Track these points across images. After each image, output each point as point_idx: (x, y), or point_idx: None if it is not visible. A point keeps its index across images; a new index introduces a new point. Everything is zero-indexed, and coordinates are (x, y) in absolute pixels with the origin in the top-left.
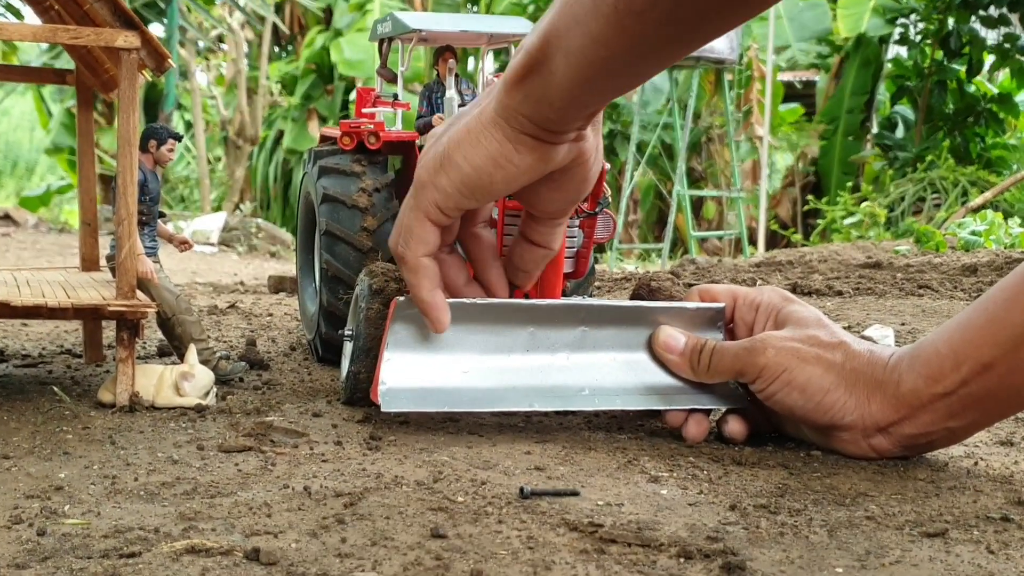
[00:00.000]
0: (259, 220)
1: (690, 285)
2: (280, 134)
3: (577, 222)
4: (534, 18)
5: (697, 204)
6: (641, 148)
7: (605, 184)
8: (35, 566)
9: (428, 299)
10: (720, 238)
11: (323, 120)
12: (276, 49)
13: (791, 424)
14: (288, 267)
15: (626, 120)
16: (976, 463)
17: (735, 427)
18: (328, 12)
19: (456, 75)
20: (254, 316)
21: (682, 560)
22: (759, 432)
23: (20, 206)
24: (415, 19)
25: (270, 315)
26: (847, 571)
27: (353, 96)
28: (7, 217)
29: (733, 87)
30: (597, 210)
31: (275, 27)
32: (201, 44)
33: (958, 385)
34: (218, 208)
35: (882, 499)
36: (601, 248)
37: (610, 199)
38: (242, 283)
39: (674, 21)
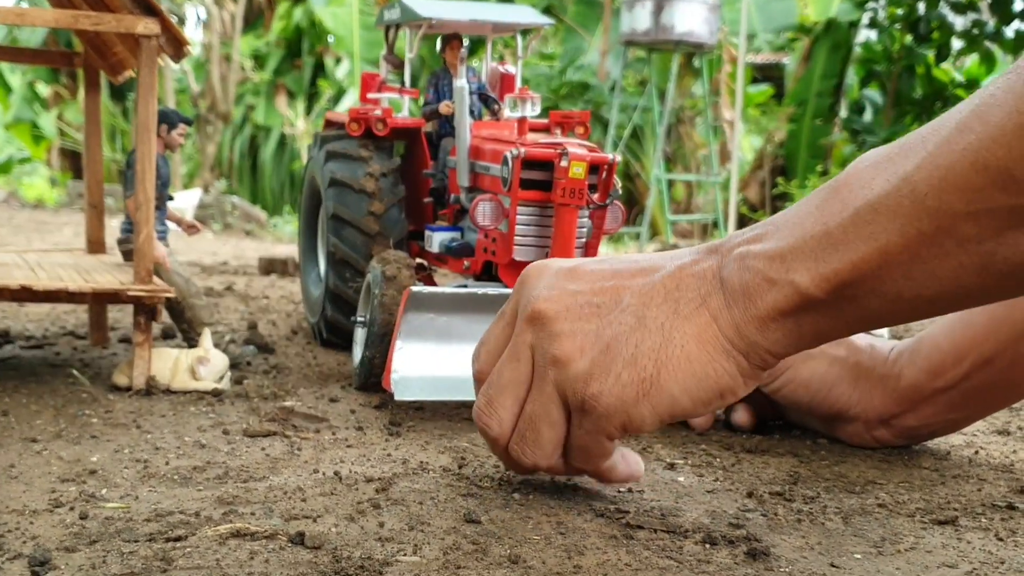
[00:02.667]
0: (234, 198)
1: None
2: (248, 110)
3: (587, 213)
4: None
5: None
6: (618, 132)
7: (615, 177)
8: (84, 549)
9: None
10: (693, 222)
11: (291, 96)
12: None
13: (796, 414)
14: (266, 246)
15: (598, 100)
16: (976, 452)
17: (743, 417)
18: None
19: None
20: (250, 298)
21: (707, 546)
22: (765, 420)
23: None
24: (424, 7)
25: (266, 297)
26: (865, 557)
27: (348, 77)
28: None
29: (703, 71)
30: (608, 202)
31: (248, 1)
32: (175, 18)
33: (959, 379)
34: (187, 185)
35: (890, 487)
36: None
37: (620, 191)
38: (225, 263)
39: None
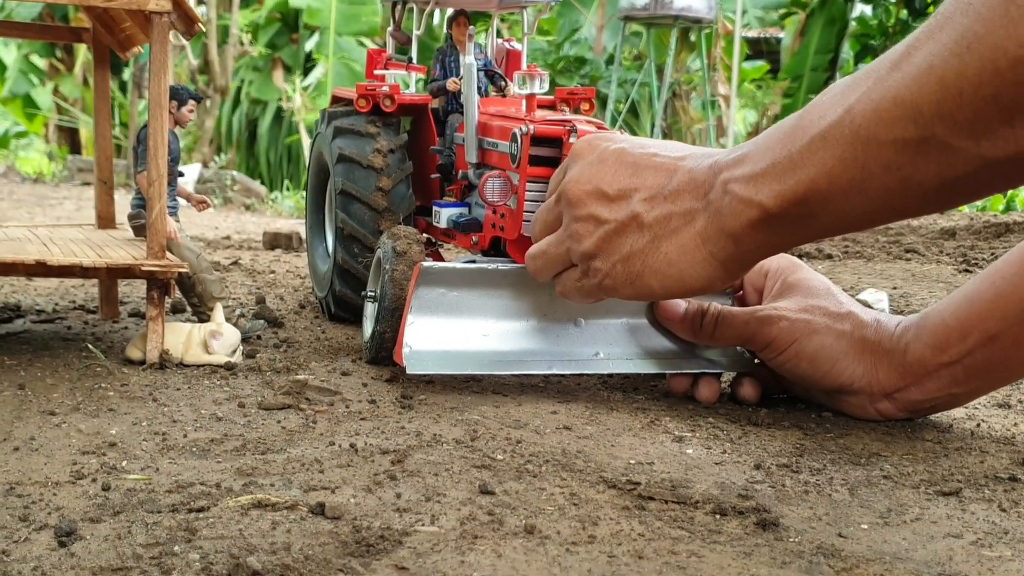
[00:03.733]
0: (234, 172)
1: None
2: (247, 84)
3: None
4: None
5: None
6: (616, 107)
7: None
8: (108, 520)
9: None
10: None
11: (287, 70)
12: None
13: (801, 387)
14: (267, 220)
15: (594, 75)
16: (978, 425)
17: (748, 390)
18: None
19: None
20: (257, 273)
21: (718, 516)
22: (769, 393)
23: None
24: None
25: (272, 272)
26: (872, 527)
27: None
28: None
29: (700, 46)
30: None
31: None
32: None
33: (963, 355)
34: (186, 160)
35: (895, 459)
36: None
37: None
38: (228, 237)
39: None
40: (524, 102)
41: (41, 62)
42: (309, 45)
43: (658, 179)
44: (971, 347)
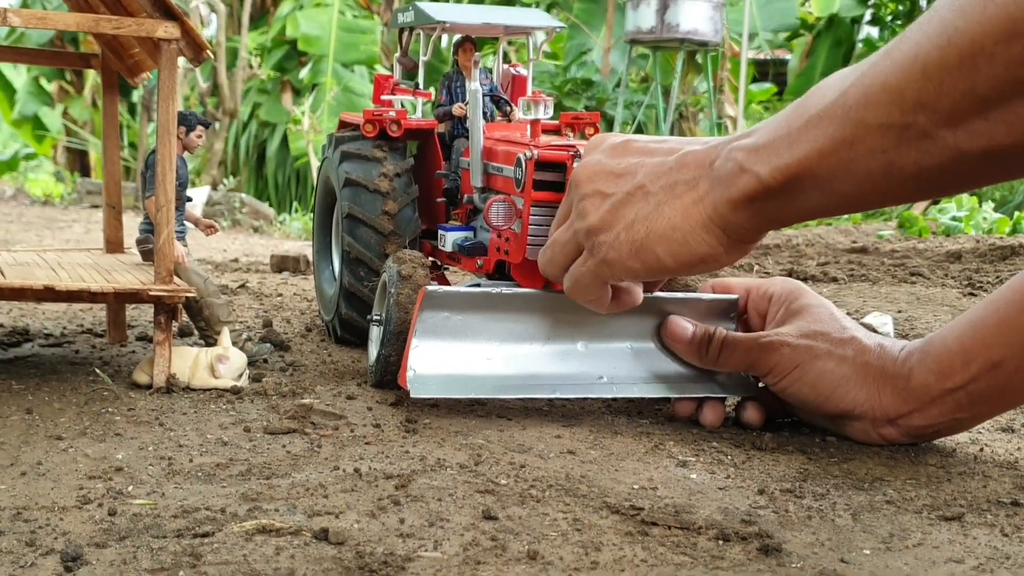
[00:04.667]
0: (243, 195)
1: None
2: (254, 107)
3: None
4: None
5: None
6: (622, 128)
7: None
8: (114, 545)
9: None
10: None
11: (296, 93)
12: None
13: (804, 412)
14: (275, 243)
15: (601, 97)
16: (982, 449)
17: (752, 414)
18: None
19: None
20: (264, 296)
21: (720, 542)
22: (773, 417)
23: None
24: (438, 10)
25: (279, 295)
26: (875, 553)
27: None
28: None
29: (707, 68)
30: None
31: None
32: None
33: (967, 381)
34: (195, 183)
35: (898, 484)
36: None
37: None
38: (236, 260)
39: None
40: (529, 127)
41: (50, 85)
42: (303, 72)
43: (665, 156)
44: (975, 374)
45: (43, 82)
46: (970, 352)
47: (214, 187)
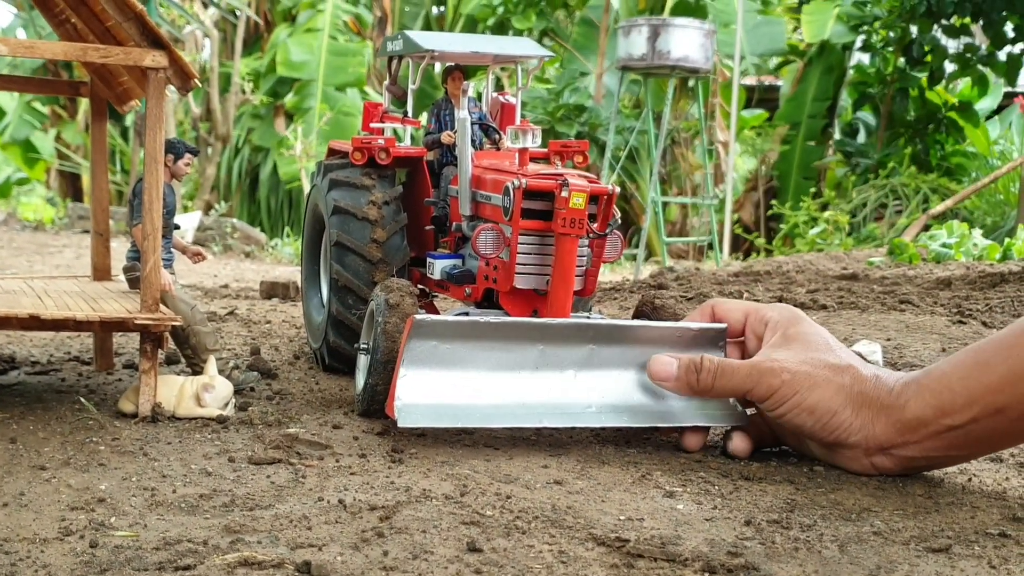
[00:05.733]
0: (234, 220)
1: (689, 298)
2: (247, 131)
3: (587, 242)
4: (502, 20)
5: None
6: (615, 153)
7: (615, 207)
8: None
9: None
10: (690, 244)
11: (289, 118)
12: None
13: (793, 437)
14: (265, 268)
15: (593, 122)
16: (970, 479)
17: (739, 444)
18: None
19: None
20: (253, 323)
21: (707, 574)
22: (760, 447)
23: None
24: (427, 39)
25: (268, 322)
26: None
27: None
28: None
29: (699, 94)
30: (607, 231)
31: (248, 22)
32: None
33: (967, 422)
34: (187, 208)
35: (885, 514)
36: None
37: (619, 220)
38: (226, 286)
39: None
40: (517, 155)
41: (44, 108)
42: (290, 97)
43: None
44: (976, 415)
45: (38, 104)
46: (973, 394)
47: (206, 212)
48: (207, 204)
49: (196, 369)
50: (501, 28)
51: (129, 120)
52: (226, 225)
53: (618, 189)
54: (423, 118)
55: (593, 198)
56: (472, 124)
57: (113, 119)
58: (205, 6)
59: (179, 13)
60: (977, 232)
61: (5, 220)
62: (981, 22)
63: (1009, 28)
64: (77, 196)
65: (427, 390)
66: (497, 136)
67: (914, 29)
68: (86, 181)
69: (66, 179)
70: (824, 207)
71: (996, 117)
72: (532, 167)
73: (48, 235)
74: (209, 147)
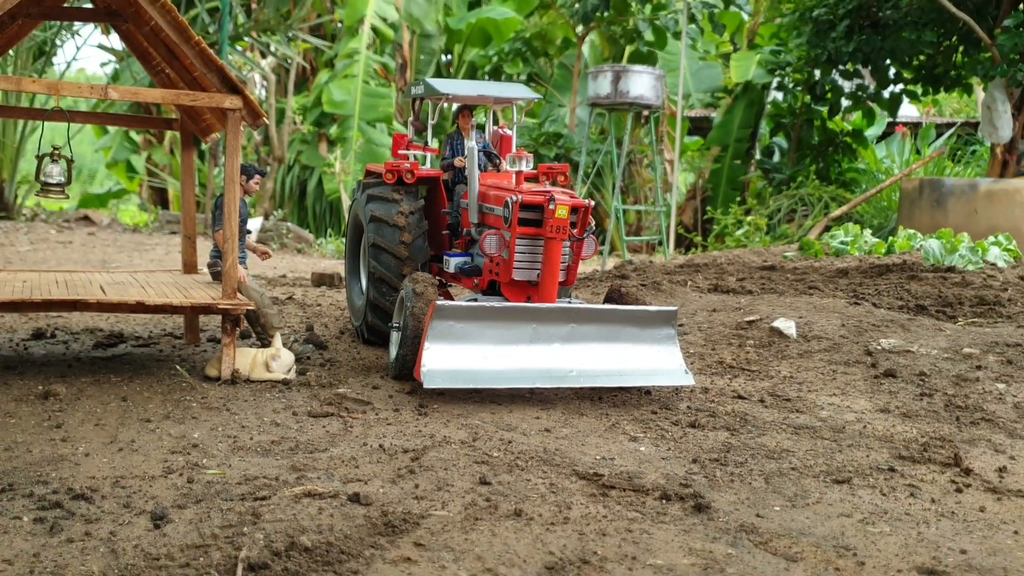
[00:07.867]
0: (288, 223)
1: (644, 285)
2: (297, 154)
3: (569, 244)
4: (496, 66)
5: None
6: (585, 171)
7: (591, 216)
8: (192, 507)
9: None
10: (642, 241)
11: (331, 144)
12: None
13: None
14: (314, 261)
15: (568, 146)
16: (865, 426)
17: None
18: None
19: (475, 128)
20: (307, 305)
21: (664, 501)
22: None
23: (84, 204)
24: (443, 85)
25: (319, 305)
26: (783, 509)
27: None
28: (86, 218)
29: (651, 125)
30: (584, 236)
31: (297, 67)
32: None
33: None
34: (252, 214)
35: (800, 454)
36: None
37: (594, 227)
38: (284, 276)
39: None
40: (514, 176)
41: (137, 136)
42: (334, 128)
43: None
44: None
45: (132, 133)
46: None
47: (266, 217)
48: (266, 211)
49: (265, 342)
50: (496, 72)
51: (205, 145)
52: (282, 228)
53: (592, 203)
54: (439, 145)
55: (574, 209)
56: (478, 151)
57: (194, 145)
58: (263, 56)
59: (244, 61)
60: (867, 232)
61: (110, 224)
62: (870, 67)
63: (891, 72)
64: (164, 204)
65: (446, 359)
66: (498, 161)
67: (818, 73)
68: (171, 193)
69: (155, 192)
70: (747, 212)
71: (883, 142)
72: (526, 185)
73: (143, 236)
74: (268, 167)
